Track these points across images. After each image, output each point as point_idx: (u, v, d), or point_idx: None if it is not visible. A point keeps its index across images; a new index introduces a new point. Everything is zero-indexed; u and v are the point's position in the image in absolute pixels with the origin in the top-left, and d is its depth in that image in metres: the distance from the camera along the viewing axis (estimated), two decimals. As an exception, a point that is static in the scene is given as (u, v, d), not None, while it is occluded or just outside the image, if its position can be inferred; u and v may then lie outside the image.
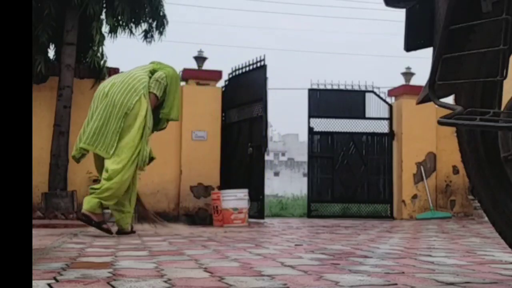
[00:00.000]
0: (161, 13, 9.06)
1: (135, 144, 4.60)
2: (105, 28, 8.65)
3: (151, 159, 4.88)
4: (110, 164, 4.58)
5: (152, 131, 4.98)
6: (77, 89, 8.46)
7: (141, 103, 4.67)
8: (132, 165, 4.61)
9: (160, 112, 4.93)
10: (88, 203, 4.55)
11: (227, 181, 8.71)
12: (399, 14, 1.83)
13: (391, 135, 10.30)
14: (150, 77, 4.86)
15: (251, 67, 8.74)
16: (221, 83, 9.41)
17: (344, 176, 10.29)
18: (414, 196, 10.01)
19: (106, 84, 4.87)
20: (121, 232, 4.73)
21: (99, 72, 8.52)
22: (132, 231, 4.80)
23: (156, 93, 4.79)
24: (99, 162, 4.82)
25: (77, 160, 4.91)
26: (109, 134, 4.61)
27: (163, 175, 8.65)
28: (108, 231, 4.62)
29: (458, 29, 1.36)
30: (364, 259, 2.53)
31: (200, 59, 9.57)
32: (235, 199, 7.42)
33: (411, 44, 1.66)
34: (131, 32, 9.07)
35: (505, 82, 1.36)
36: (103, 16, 8.59)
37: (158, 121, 5.00)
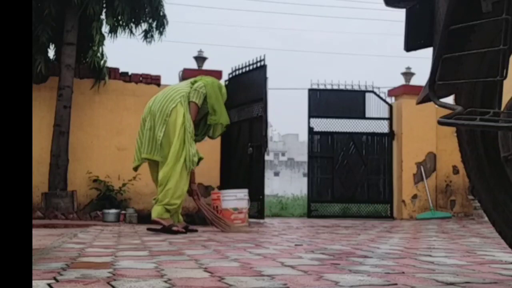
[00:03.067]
0: (161, 13, 9.06)
1: (176, 150, 4.97)
2: (105, 28, 8.66)
3: (200, 159, 5.23)
4: (160, 173, 5.04)
5: (201, 137, 5.45)
6: (77, 89, 8.46)
7: (177, 110, 5.06)
8: (180, 168, 4.97)
9: (208, 118, 5.33)
10: (155, 211, 5.02)
11: (227, 181, 8.70)
12: (399, 14, 1.83)
13: (391, 135, 10.30)
14: (191, 87, 5.28)
15: (251, 67, 8.74)
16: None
17: (344, 176, 10.29)
18: (414, 196, 10.01)
19: (151, 100, 5.33)
20: (153, 221, 5.03)
21: (99, 72, 8.52)
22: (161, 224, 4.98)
23: (195, 102, 5.19)
24: (155, 173, 5.21)
25: (135, 169, 5.40)
26: (157, 141, 5.07)
27: (163, 175, 8.65)
28: (180, 231, 4.88)
29: (458, 29, 1.36)
30: (364, 259, 2.52)
31: (200, 59, 9.57)
32: (235, 199, 7.41)
33: (411, 44, 1.66)
34: (131, 32, 9.07)
35: (505, 82, 1.36)
36: (103, 16, 8.59)
37: (209, 127, 5.41)
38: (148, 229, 5.04)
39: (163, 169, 4.98)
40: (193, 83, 5.33)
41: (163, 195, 4.94)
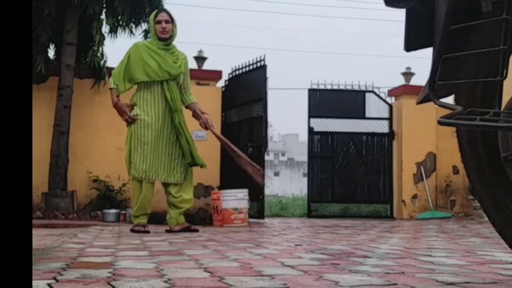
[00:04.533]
0: (161, 13, 9.05)
1: (125, 155, 5.06)
2: (105, 28, 8.66)
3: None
4: None
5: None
6: (77, 89, 8.46)
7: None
8: (131, 176, 5.04)
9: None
10: None
11: (227, 181, 8.70)
12: (399, 14, 1.83)
13: (391, 135, 10.30)
14: None
15: (251, 67, 8.74)
16: (221, 83, 9.40)
17: (344, 176, 10.30)
18: (414, 196, 10.01)
19: None
20: (169, 230, 5.10)
21: (99, 72, 8.52)
22: (179, 230, 5.05)
23: (118, 89, 5.29)
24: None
25: None
26: None
27: (163, 175, 8.65)
28: (141, 231, 4.92)
29: (458, 29, 1.36)
30: (364, 259, 2.52)
31: (200, 59, 9.57)
32: (235, 199, 7.42)
33: (411, 44, 1.66)
34: (131, 32, 9.07)
35: (505, 82, 1.36)
36: (103, 16, 8.59)
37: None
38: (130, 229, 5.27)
39: None
40: None
41: None
